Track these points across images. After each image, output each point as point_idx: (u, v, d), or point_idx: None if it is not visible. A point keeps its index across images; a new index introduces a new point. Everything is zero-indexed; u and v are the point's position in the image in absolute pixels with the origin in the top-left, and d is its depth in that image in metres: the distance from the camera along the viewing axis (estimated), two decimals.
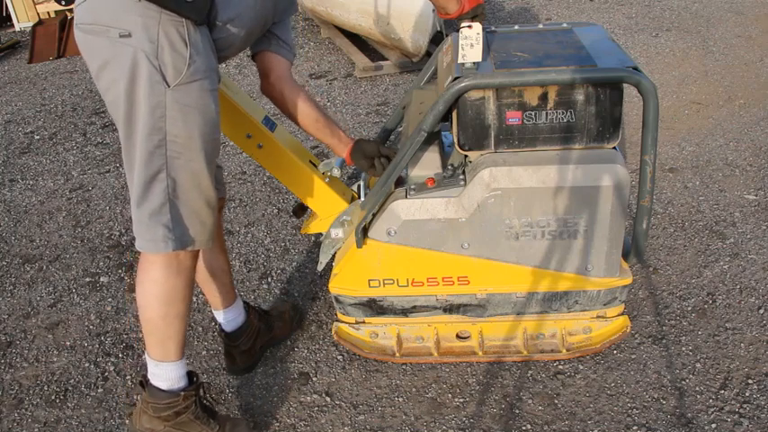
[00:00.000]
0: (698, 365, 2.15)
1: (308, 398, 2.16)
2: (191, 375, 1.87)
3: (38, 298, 2.76)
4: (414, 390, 2.15)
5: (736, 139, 3.51)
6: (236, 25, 1.69)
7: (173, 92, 1.55)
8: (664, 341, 2.25)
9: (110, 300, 2.70)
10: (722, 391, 2.05)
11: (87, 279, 2.84)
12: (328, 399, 2.15)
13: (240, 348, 2.22)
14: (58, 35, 5.99)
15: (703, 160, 3.33)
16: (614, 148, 1.90)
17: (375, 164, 2.09)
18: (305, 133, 3.91)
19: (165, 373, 1.79)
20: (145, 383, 1.82)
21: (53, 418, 2.17)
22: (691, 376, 2.11)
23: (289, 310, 2.42)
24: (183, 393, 1.80)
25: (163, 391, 1.79)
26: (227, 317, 2.19)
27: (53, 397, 2.25)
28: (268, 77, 2.01)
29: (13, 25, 6.80)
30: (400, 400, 2.12)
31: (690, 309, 2.39)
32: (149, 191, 1.62)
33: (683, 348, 2.22)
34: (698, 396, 2.04)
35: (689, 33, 4.95)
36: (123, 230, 3.16)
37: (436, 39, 4.46)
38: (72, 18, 6.22)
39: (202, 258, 2.06)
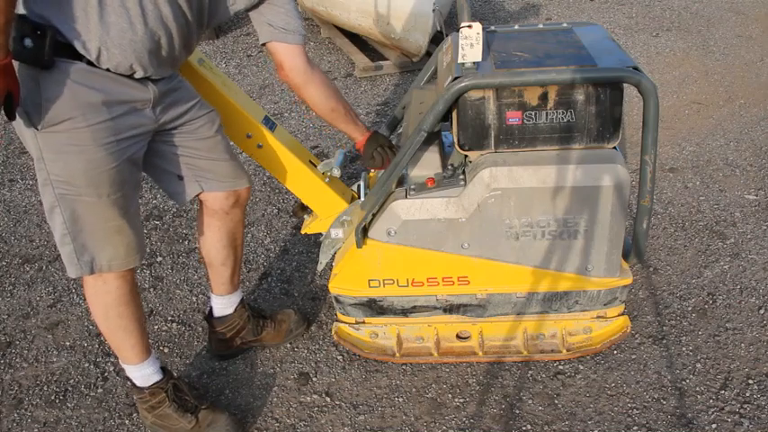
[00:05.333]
0: (698, 366, 2.15)
1: (308, 398, 2.15)
2: (165, 373, 2.03)
3: (37, 298, 2.75)
4: (414, 390, 2.14)
5: (737, 139, 3.51)
6: (116, 52, 1.58)
7: (43, 135, 1.59)
8: (664, 341, 2.25)
9: None
10: (722, 392, 2.05)
11: None
12: (328, 399, 2.14)
13: (217, 336, 2.30)
14: None
15: (704, 160, 3.33)
16: (614, 147, 1.90)
17: (374, 154, 2.11)
18: (304, 133, 3.92)
19: (130, 373, 1.99)
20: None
21: (53, 418, 2.16)
22: (691, 376, 2.11)
23: (290, 321, 2.39)
24: (147, 390, 1.98)
25: (136, 386, 2.00)
26: (215, 303, 2.27)
27: (53, 397, 2.24)
28: (281, 67, 1.96)
29: None
30: (400, 400, 2.12)
31: (690, 309, 2.38)
32: (52, 220, 1.70)
33: (684, 348, 2.22)
34: (698, 396, 2.04)
35: (689, 33, 4.95)
36: None
37: (436, 39, 4.45)
38: None
39: (212, 246, 2.13)
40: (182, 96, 1.84)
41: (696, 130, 3.62)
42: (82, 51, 1.57)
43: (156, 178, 1.96)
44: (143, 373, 1.97)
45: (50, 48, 1.52)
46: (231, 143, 2.04)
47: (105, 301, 1.83)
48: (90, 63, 1.59)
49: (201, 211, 2.09)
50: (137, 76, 1.67)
